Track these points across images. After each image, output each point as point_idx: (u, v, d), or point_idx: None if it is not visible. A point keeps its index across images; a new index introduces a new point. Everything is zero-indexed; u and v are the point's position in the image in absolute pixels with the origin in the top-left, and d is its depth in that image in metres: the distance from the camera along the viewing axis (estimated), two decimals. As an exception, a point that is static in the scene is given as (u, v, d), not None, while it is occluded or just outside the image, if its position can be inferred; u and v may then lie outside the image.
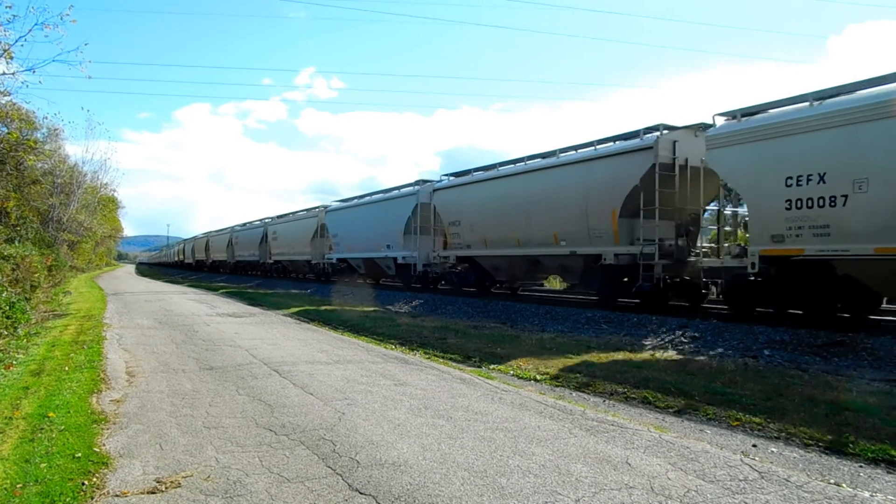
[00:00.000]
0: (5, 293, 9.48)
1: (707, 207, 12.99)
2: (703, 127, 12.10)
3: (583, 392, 6.09)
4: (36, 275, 13.65)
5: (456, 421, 4.80)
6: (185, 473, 3.62)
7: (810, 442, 4.34)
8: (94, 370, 6.82)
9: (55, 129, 24.00)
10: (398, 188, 23.19)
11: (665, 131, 12.31)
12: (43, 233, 23.28)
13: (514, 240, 15.99)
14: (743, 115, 10.42)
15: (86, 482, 3.46)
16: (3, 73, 13.34)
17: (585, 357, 7.78)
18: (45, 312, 13.43)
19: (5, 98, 14.97)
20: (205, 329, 11.03)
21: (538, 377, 6.73)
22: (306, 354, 8.14)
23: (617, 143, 13.70)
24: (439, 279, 21.17)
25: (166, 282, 36.94)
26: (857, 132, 8.65)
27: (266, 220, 38.17)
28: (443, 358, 8.04)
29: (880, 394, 5.56)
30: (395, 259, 21.67)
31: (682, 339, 9.41)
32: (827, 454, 4.11)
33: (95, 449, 4.05)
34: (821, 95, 9.40)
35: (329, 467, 3.73)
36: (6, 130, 17.09)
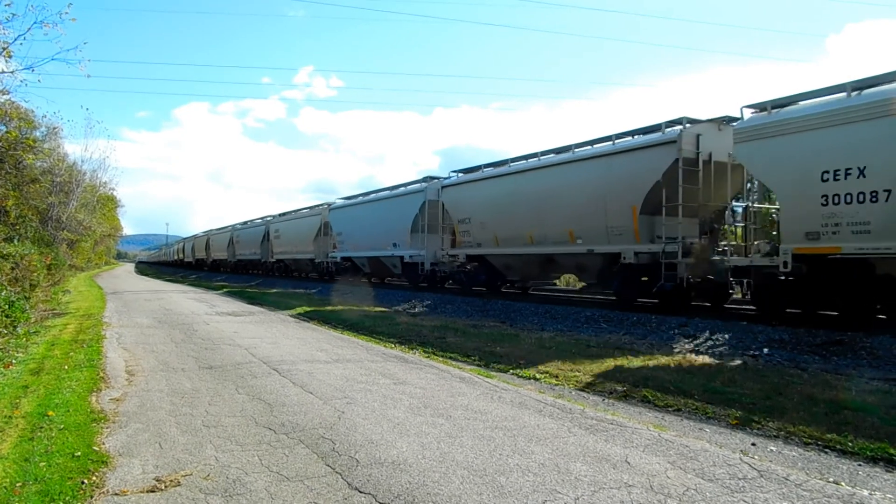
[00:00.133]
0: (4, 292, 9.47)
1: (736, 203, 12.40)
2: (728, 120, 11.79)
3: (585, 392, 6.09)
4: (35, 273, 13.63)
5: (455, 420, 4.81)
6: (185, 472, 3.62)
7: (809, 441, 4.34)
8: (94, 369, 6.82)
9: (54, 128, 23.94)
10: (405, 185, 22.62)
11: (688, 125, 11.81)
12: (42, 231, 23.26)
13: (528, 238, 15.52)
14: (773, 107, 9.94)
15: (85, 481, 3.46)
16: (3, 72, 13.33)
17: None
18: (44, 311, 13.43)
19: (4, 96, 14.95)
20: (204, 328, 11.03)
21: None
22: (306, 353, 8.14)
23: (636, 137, 13.12)
24: (447, 278, 20.74)
25: (166, 281, 36.94)
26: None
27: (268, 219, 37.82)
28: (442, 357, 8.05)
29: (879, 393, 5.57)
30: (401, 258, 21.25)
31: (682, 338, 9.42)
32: (826, 453, 4.12)
33: (95, 448, 4.05)
34: (858, 85, 8.96)
35: (328, 466, 3.73)
36: (5, 129, 17.08)
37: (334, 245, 27.21)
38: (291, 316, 13.54)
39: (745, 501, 3.20)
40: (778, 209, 10.72)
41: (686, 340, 9.19)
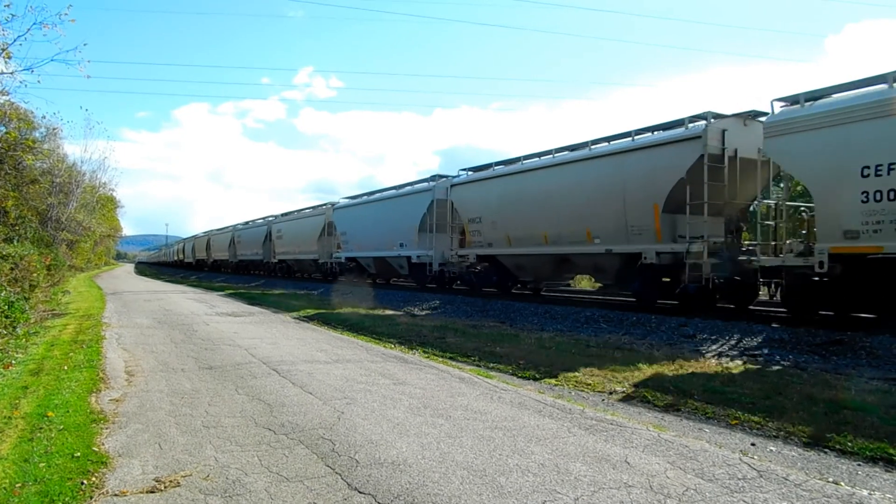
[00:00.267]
0: (4, 292, 9.48)
1: (765, 201, 11.92)
2: (754, 115, 11.51)
3: (582, 391, 6.09)
4: (35, 274, 13.64)
5: (455, 420, 4.81)
6: (185, 473, 3.62)
7: (809, 440, 4.34)
8: (94, 369, 6.82)
9: (53, 129, 23.94)
10: (412, 184, 22.22)
11: (713, 120, 11.49)
12: (42, 232, 23.26)
13: (542, 237, 15.07)
14: (807, 100, 9.50)
15: (85, 481, 3.46)
16: (2, 73, 13.34)
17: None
18: (43, 312, 13.43)
19: (3, 98, 14.96)
20: (204, 328, 11.03)
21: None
22: (305, 354, 8.14)
23: (656, 133, 12.71)
24: (455, 279, 20.35)
25: (166, 281, 36.94)
26: None
27: (270, 219, 37.49)
28: (442, 357, 8.05)
29: (879, 392, 5.57)
30: (409, 258, 20.84)
31: (683, 338, 9.42)
32: (825, 452, 4.12)
33: (94, 448, 4.05)
34: None
35: (328, 466, 3.73)
36: (4, 130, 17.09)
37: (338, 245, 26.79)
38: (292, 317, 13.54)
39: (744, 501, 3.20)
40: (809, 207, 10.33)
41: (686, 340, 9.19)
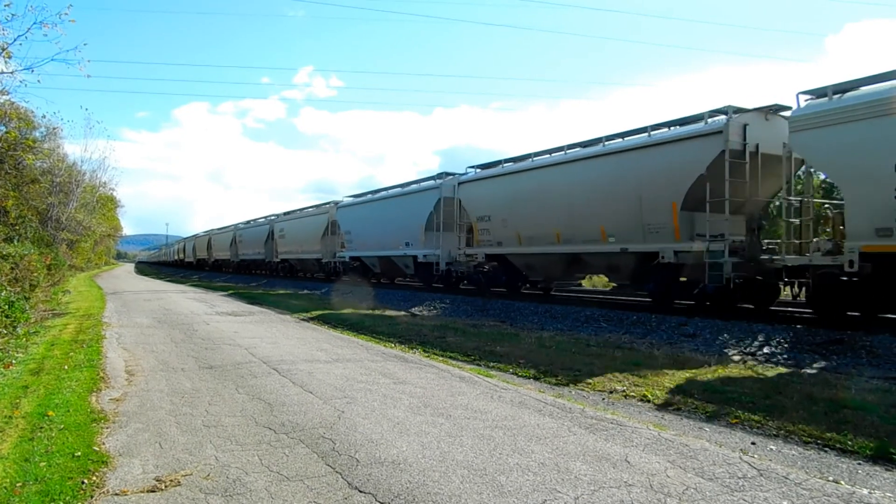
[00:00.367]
0: (4, 292, 9.48)
1: (789, 198, 11.34)
2: (776, 109, 11.13)
3: (582, 390, 6.09)
4: (35, 274, 13.64)
5: (455, 419, 4.81)
6: (185, 472, 3.63)
7: (809, 439, 4.35)
8: (94, 369, 6.82)
9: (54, 128, 23.95)
10: (417, 182, 21.84)
11: (734, 114, 10.98)
12: (42, 232, 23.28)
13: (554, 236, 14.60)
14: (835, 93, 9.12)
15: (85, 481, 3.46)
16: (2, 73, 13.35)
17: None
18: (44, 311, 13.44)
19: (3, 97, 14.98)
20: (204, 328, 11.03)
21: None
22: (306, 353, 8.15)
23: (675, 128, 12.24)
24: (462, 279, 20.00)
25: (166, 281, 36.95)
26: None
27: (272, 218, 37.14)
28: (442, 356, 8.05)
29: (879, 391, 5.57)
30: (414, 257, 20.52)
31: (683, 337, 9.41)
32: (826, 451, 4.12)
33: (95, 448, 4.05)
34: None
35: (328, 465, 3.73)
36: (4, 129, 17.10)
37: (342, 244, 26.43)
38: (293, 316, 13.54)
39: (744, 500, 3.21)
40: (834, 203, 9.95)
41: (686, 339, 9.19)
